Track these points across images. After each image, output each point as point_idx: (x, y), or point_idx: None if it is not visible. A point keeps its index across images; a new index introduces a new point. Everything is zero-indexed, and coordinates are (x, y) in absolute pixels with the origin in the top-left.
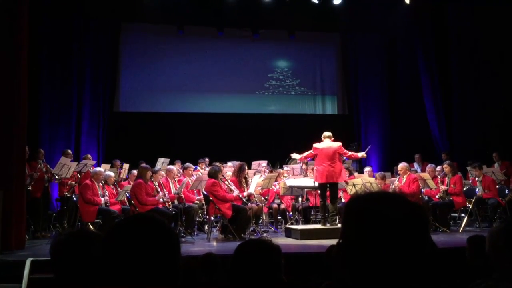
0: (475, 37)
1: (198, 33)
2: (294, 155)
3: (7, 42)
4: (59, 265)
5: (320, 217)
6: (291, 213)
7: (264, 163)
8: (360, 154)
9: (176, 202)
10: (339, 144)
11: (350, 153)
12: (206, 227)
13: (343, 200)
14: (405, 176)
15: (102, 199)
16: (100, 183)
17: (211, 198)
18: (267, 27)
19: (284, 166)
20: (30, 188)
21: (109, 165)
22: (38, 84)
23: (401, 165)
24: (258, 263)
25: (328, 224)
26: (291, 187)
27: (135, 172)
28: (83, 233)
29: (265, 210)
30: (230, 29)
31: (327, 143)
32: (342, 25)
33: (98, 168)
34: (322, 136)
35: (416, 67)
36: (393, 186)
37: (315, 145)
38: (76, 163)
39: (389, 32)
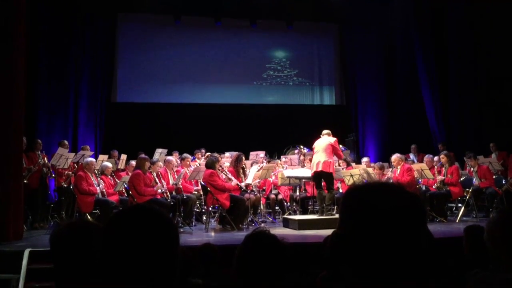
0: (473, 29)
1: (195, 23)
2: None
3: (4, 32)
4: (59, 255)
5: (317, 207)
6: (288, 204)
7: (262, 153)
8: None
9: (174, 192)
10: (334, 139)
11: (340, 152)
12: (204, 218)
13: (340, 191)
14: (399, 167)
15: (98, 188)
16: (93, 173)
17: (209, 188)
18: (264, 17)
19: (282, 156)
20: (26, 181)
21: (106, 156)
22: (36, 74)
23: (394, 157)
24: (267, 257)
25: (325, 214)
26: (289, 178)
27: (133, 162)
28: (83, 223)
29: (263, 200)
30: (227, 19)
31: (324, 138)
32: (340, 16)
33: (89, 159)
34: (321, 134)
35: (413, 58)
36: (386, 178)
37: (314, 144)
38: (73, 154)
39: (387, 23)
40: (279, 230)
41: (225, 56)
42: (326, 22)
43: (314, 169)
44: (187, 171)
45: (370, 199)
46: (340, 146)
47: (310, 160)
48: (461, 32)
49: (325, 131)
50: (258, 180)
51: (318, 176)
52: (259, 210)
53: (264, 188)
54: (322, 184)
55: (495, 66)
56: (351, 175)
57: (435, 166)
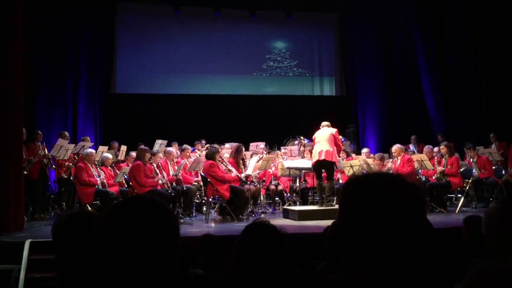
0: (472, 18)
1: (194, 13)
2: None
3: (2, 23)
4: (61, 246)
5: (317, 198)
6: (288, 194)
7: (262, 144)
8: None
9: (174, 183)
10: (335, 129)
11: (340, 143)
12: (204, 209)
13: (340, 181)
14: (399, 158)
15: (98, 179)
16: (93, 164)
17: (209, 179)
18: (264, 7)
19: (281, 147)
20: (26, 172)
21: (106, 147)
22: (34, 65)
23: (395, 147)
24: (267, 247)
25: (324, 205)
26: (289, 169)
27: (133, 154)
28: (84, 214)
29: (262, 191)
30: (227, 9)
31: (325, 128)
32: (340, 6)
33: (89, 150)
34: (321, 125)
35: (413, 48)
36: (387, 168)
37: (314, 135)
38: (73, 145)
39: (387, 13)
40: (279, 221)
41: (225, 47)
42: (326, 12)
43: (316, 158)
44: (187, 162)
45: (370, 190)
46: (340, 137)
47: (310, 151)
48: (461, 21)
49: (324, 123)
50: (258, 171)
51: (320, 166)
52: (259, 201)
53: (264, 179)
54: (322, 174)
55: (496, 56)
56: (351, 166)
57: (435, 157)
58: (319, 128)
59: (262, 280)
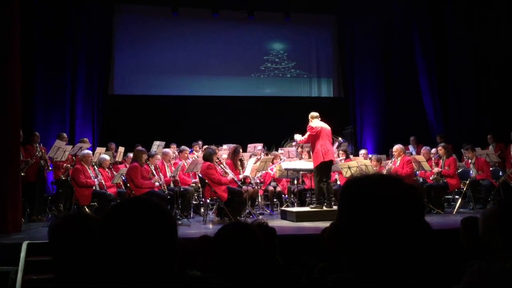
0: (471, 20)
1: (192, 14)
2: (297, 136)
3: (0, 24)
4: (57, 247)
5: (314, 199)
6: (286, 196)
7: (259, 146)
8: None
9: (172, 185)
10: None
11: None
12: (202, 210)
13: (338, 183)
14: (399, 158)
15: (96, 180)
16: (90, 165)
17: (206, 181)
18: (262, 8)
19: (279, 149)
20: (23, 174)
21: (104, 149)
22: (32, 67)
23: (396, 147)
24: (235, 246)
25: (326, 206)
26: (287, 170)
27: (131, 155)
28: (81, 216)
29: (260, 192)
30: (225, 11)
31: (321, 122)
32: (338, 7)
33: (86, 151)
34: (311, 116)
35: (412, 50)
36: (387, 168)
37: (312, 124)
38: (71, 146)
39: (386, 14)
40: (277, 222)
41: (223, 48)
42: (324, 13)
43: (330, 158)
44: (185, 163)
45: (369, 191)
46: (339, 138)
47: (308, 152)
48: (460, 22)
49: (315, 114)
50: (260, 173)
51: (325, 166)
52: (257, 202)
53: (263, 180)
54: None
55: (495, 58)
56: (349, 167)
57: (432, 158)
58: (308, 122)
59: (242, 279)
